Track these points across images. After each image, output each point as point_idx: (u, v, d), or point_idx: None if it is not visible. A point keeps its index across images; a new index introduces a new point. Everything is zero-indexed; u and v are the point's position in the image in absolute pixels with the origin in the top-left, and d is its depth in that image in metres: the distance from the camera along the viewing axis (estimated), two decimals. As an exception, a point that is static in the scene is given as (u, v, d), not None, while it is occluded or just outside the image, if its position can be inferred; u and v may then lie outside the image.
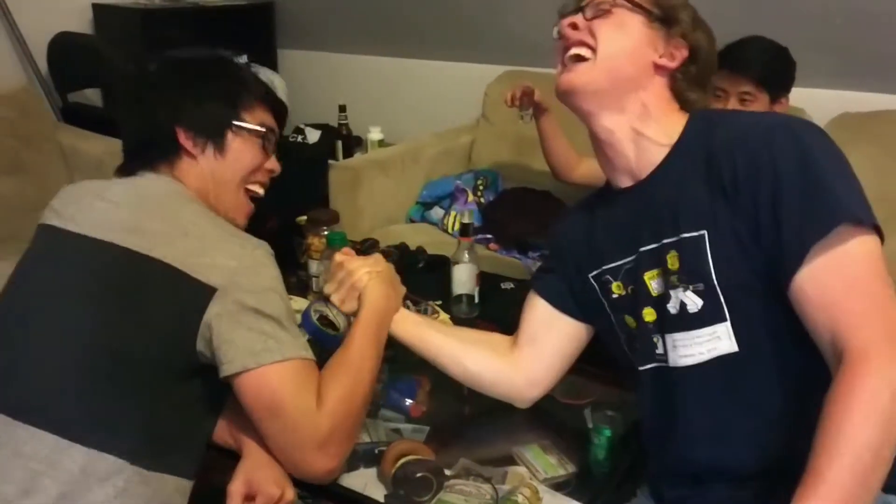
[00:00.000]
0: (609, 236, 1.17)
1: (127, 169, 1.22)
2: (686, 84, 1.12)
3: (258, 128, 1.23)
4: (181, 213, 1.10)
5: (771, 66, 2.01)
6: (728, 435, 1.05)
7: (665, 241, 1.07)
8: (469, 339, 1.32)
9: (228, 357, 1.03)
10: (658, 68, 1.10)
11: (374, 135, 3.06)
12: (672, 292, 1.06)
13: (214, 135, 1.20)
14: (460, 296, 1.69)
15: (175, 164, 1.19)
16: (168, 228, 1.07)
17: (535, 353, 1.26)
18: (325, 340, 1.48)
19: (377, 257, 1.30)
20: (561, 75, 1.13)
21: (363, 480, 1.23)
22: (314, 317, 1.51)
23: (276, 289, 1.07)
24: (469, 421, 1.43)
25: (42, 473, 0.99)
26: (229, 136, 1.21)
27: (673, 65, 1.10)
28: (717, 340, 1.02)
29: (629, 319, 1.14)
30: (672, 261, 1.06)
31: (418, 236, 2.27)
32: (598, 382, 1.40)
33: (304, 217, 1.85)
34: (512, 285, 1.81)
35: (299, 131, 3.20)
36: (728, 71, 2.02)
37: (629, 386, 1.22)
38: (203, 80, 1.23)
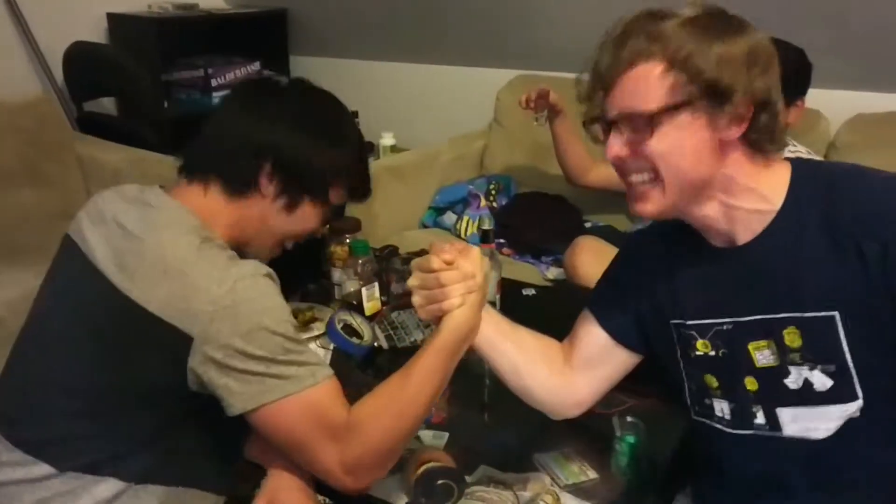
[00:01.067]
0: (696, 291, 1.08)
1: (197, 170, 1.14)
2: (764, 136, 0.98)
3: (332, 206, 1.19)
4: (171, 248, 1.02)
5: (786, 70, 1.99)
6: (832, 484, 1.04)
7: (780, 315, 1.00)
8: (530, 349, 1.22)
9: (228, 401, 1.00)
10: (727, 143, 0.97)
11: (387, 140, 3.06)
12: (793, 369, 1.01)
13: (295, 193, 1.13)
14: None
15: (244, 194, 1.11)
16: (152, 267, 1.01)
17: (588, 378, 1.21)
18: (350, 349, 1.49)
19: (476, 270, 1.09)
20: (634, 203, 1.03)
21: (385, 489, 1.23)
22: (339, 326, 1.52)
23: (261, 324, 0.98)
24: (489, 427, 1.44)
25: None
26: (306, 199, 1.15)
27: (741, 129, 0.96)
28: (845, 412, 0.99)
29: (710, 379, 1.10)
30: (791, 337, 1.00)
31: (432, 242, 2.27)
32: (625, 392, 1.38)
33: (326, 225, 1.86)
34: (533, 291, 1.82)
35: (313, 138, 3.21)
36: None
37: (657, 397, 1.22)
38: (322, 126, 1.15)
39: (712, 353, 1.08)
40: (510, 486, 1.22)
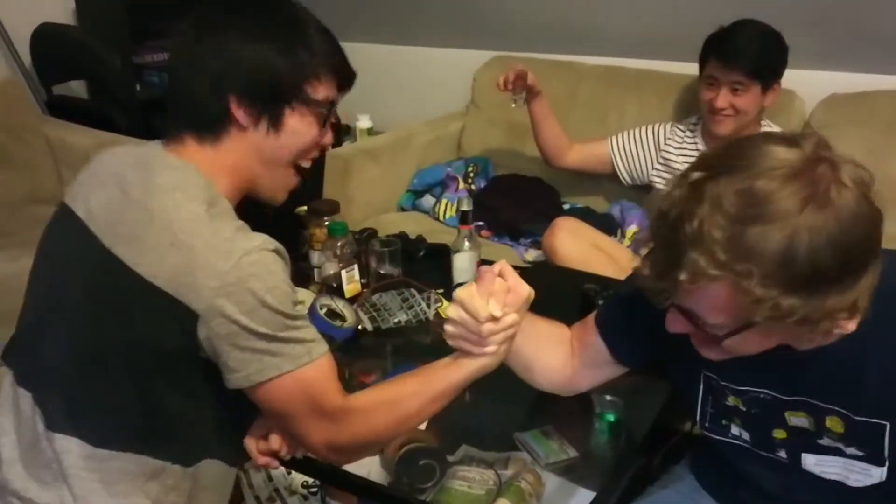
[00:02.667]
0: (736, 363, 0.97)
1: (172, 131, 1.08)
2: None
3: (321, 103, 1.09)
4: (176, 217, 0.99)
5: (763, 56, 2.01)
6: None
7: (828, 406, 0.98)
8: (541, 341, 1.19)
9: (226, 376, 1.00)
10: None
11: (363, 123, 3.04)
12: (827, 438, 0.99)
13: (270, 108, 1.05)
14: (461, 284, 1.69)
15: (220, 136, 1.05)
16: (158, 239, 0.98)
17: (591, 376, 1.20)
18: (333, 332, 1.50)
19: (520, 319, 1.03)
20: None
21: (367, 468, 1.23)
22: (321, 311, 1.52)
23: (265, 302, 0.96)
24: (471, 407, 1.44)
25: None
26: (287, 111, 1.06)
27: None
28: (868, 477, 0.99)
29: (736, 420, 1.08)
30: (834, 425, 0.98)
31: (410, 225, 2.27)
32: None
33: (304, 207, 1.85)
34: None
35: (288, 120, 3.18)
36: (720, 60, 2.02)
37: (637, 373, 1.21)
38: (260, 35, 1.05)
39: (743, 408, 1.06)
40: (491, 465, 1.23)
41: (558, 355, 1.20)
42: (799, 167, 0.81)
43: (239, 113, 1.04)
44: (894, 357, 0.92)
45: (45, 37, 2.92)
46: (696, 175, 0.84)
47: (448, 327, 1.02)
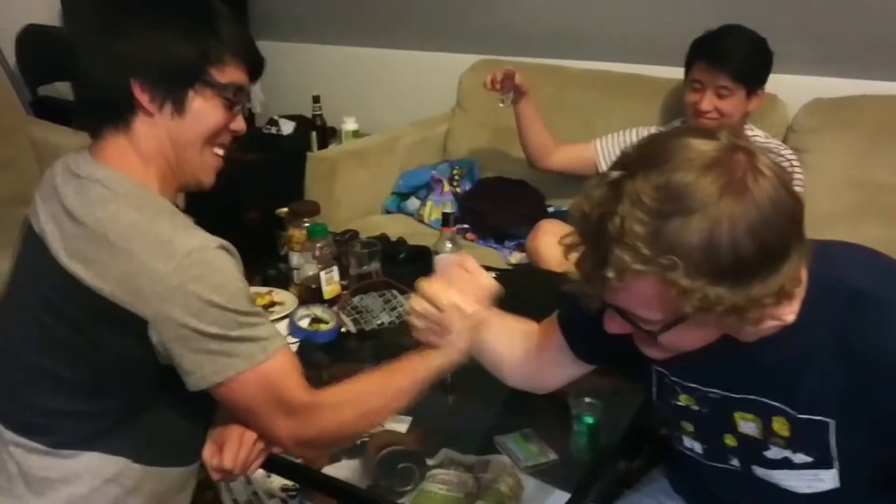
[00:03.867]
0: (683, 359, 0.97)
1: (91, 128, 1.08)
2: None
3: (226, 87, 1.06)
4: (112, 227, 0.98)
5: (749, 61, 2.02)
6: None
7: (773, 403, 0.97)
8: (509, 338, 1.19)
9: (183, 378, 1.00)
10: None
11: (349, 125, 3.03)
12: (774, 447, 0.99)
13: (173, 91, 1.04)
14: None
15: (130, 125, 1.04)
16: (99, 251, 0.98)
17: (558, 374, 1.19)
18: (314, 338, 1.51)
19: (482, 308, 1.05)
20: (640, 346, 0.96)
21: (346, 471, 1.23)
22: (304, 324, 1.54)
23: (213, 301, 0.96)
24: (451, 411, 1.44)
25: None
26: (190, 94, 1.04)
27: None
28: (820, 482, 0.99)
29: (685, 424, 1.08)
30: (780, 427, 0.98)
31: (395, 227, 2.27)
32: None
33: (285, 209, 1.85)
34: (494, 275, 1.81)
35: (273, 123, 3.17)
36: (705, 63, 2.03)
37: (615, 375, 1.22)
38: (164, 19, 1.04)
39: (695, 407, 1.05)
40: (471, 468, 1.23)
41: (525, 350, 1.20)
42: (715, 156, 0.81)
43: (144, 98, 1.03)
44: (831, 348, 0.91)
45: (30, 38, 2.91)
46: (614, 174, 0.85)
47: (412, 319, 1.04)
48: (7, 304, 1.11)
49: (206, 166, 1.11)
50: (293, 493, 1.53)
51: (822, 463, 0.97)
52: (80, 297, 0.97)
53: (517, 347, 1.19)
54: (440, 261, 1.04)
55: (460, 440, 1.30)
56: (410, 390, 1.08)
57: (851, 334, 0.90)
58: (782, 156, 2.08)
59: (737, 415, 1.01)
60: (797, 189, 1.94)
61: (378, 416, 1.11)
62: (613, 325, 0.92)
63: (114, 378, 1.01)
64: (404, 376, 1.08)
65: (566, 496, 1.17)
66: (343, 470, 1.24)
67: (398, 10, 2.97)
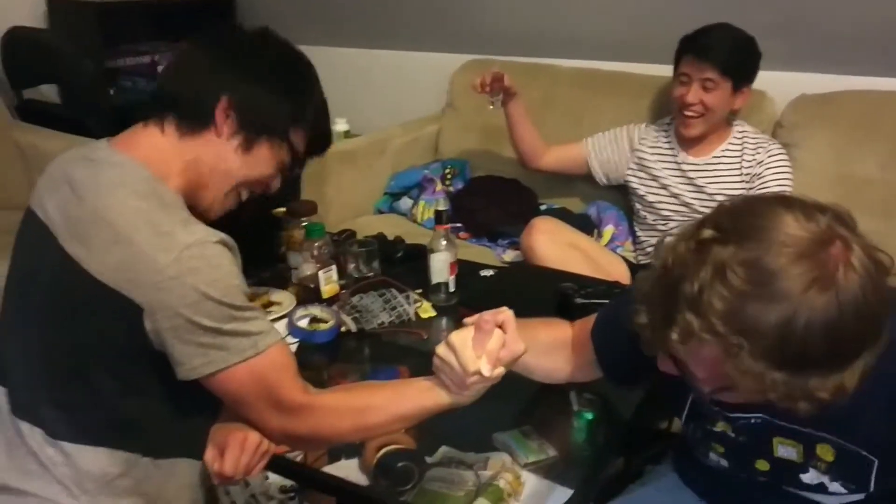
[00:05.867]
0: None
1: (146, 113, 1.10)
2: None
3: (294, 150, 1.13)
4: (119, 214, 0.99)
5: (735, 55, 2.04)
6: None
7: (819, 434, 0.97)
8: (539, 351, 1.16)
9: (175, 368, 1.01)
10: None
11: (340, 126, 3.02)
12: (814, 471, 0.98)
13: (252, 131, 1.09)
14: (438, 284, 1.69)
15: (196, 132, 1.07)
16: (103, 235, 0.99)
17: (591, 372, 1.20)
18: (313, 339, 1.50)
19: (503, 371, 1.04)
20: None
21: (345, 471, 1.23)
22: (303, 323, 1.53)
23: (208, 294, 0.97)
24: (449, 408, 1.44)
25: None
26: (263, 141, 1.10)
27: None
28: (849, 499, 0.99)
29: (716, 446, 1.08)
30: (824, 453, 0.97)
31: (388, 227, 2.26)
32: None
33: (282, 209, 1.85)
34: (491, 272, 1.82)
35: (264, 124, 3.17)
36: (692, 56, 2.05)
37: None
38: (282, 72, 1.11)
39: (731, 434, 1.04)
40: (471, 466, 1.23)
41: (558, 361, 1.20)
42: (810, 248, 0.78)
43: (221, 117, 1.06)
44: (885, 394, 0.90)
45: (15, 41, 2.89)
46: (706, 234, 0.82)
47: (435, 360, 1.03)
48: (9, 296, 1.12)
49: (223, 204, 1.14)
50: (292, 495, 1.53)
51: (856, 491, 0.98)
52: (78, 282, 0.98)
53: (548, 359, 1.19)
54: (482, 317, 1.02)
55: (459, 438, 1.30)
56: (412, 418, 1.09)
57: None
58: (772, 152, 2.11)
59: (776, 440, 1.00)
60: (787, 186, 1.94)
61: (374, 432, 1.13)
62: (666, 366, 0.91)
63: (112, 366, 1.02)
64: (411, 403, 1.07)
65: (566, 492, 1.17)
66: (342, 469, 1.24)
67: (388, 11, 2.97)
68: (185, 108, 1.07)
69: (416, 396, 1.07)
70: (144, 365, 1.02)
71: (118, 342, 1.00)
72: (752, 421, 1.01)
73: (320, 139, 1.18)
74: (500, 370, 1.00)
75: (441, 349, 1.01)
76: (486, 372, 0.98)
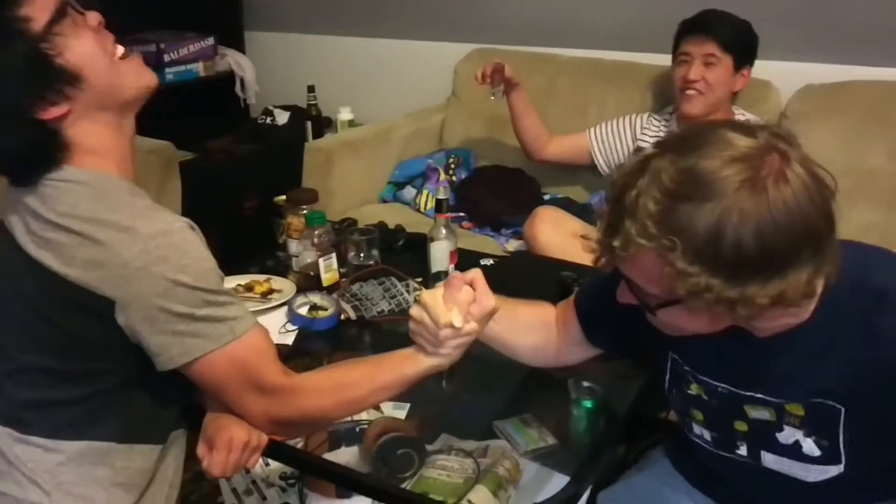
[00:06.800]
0: (702, 346, 0.99)
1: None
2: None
3: (49, 19, 0.97)
4: (74, 217, 0.98)
5: (735, 32, 2.06)
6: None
7: (781, 400, 0.98)
8: (522, 329, 1.22)
9: (153, 360, 1.01)
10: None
11: (344, 115, 3.03)
12: (788, 428, 0.99)
13: (52, 83, 0.98)
14: (438, 273, 1.70)
15: (73, 140, 1.00)
16: (66, 240, 0.98)
17: (576, 353, 1.23)
18: (312, 326, 1.51)
19: (480, 327, 1.05)
20: None
21: (346, 458, 1.24)
22: (303, 311, 1.54)
23: (179, 281, 0.96)
24: (449, 396, 1.44)
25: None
26: (60, 65, 0.98)
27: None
28: (825, 474, 1.00)
29: (695, 413, 1.09)
30: (794, 409, 0.98)
31: (391, 216, 2.26)
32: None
33: (283, 197, 1.85)
34: (492, 261, 1.83)
35: (268, 113, 3.16)
36: (693, 35, 2.06)
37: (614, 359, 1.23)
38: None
39: (705, 397, 1.06)
40: (470, 453, 1.24)
41: (540, 338, 1.22)
42: (746, 152, 0.81)
43: (54, 114, 0.99)
44: (853, 339, 0.91)
45: None
46: (649, 150, 0.87)
47: (410, 324, 1.05)
48: None
49: (125, 77, 1.05)
50: (292, 482, 1.54)
51: (830, 458, 0.98)
52: (49, 285, 0.98)
53: (531, 337, 1.21)
54: (452, 276, 1.04)
55: (459, 426, 1.31)
56: (394, 387, 1.08)
57: (878, 326, 0.89)
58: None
59: (746, 406, 1.02)
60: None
61: (358, 406, 1.12)
62: (623, 295, 0.95)
63: (91, 363, 1.02)
64: (391, 373, 1.08)
65: (565, 480, 1.18)
66: (342, 456, 1.24)
67: (392, 0, 2.97)
68: (44, 157, 1.01)
69: (394, 365, 1.08)
70: (121, 359, 1.02)
71: (93, 340, 1.00)
72: (720, 389, 1.03)
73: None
74: (473, 325, 1.02)
75: (414, 309, 1.04)
76: (457, 323, 1.00)
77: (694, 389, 1.07)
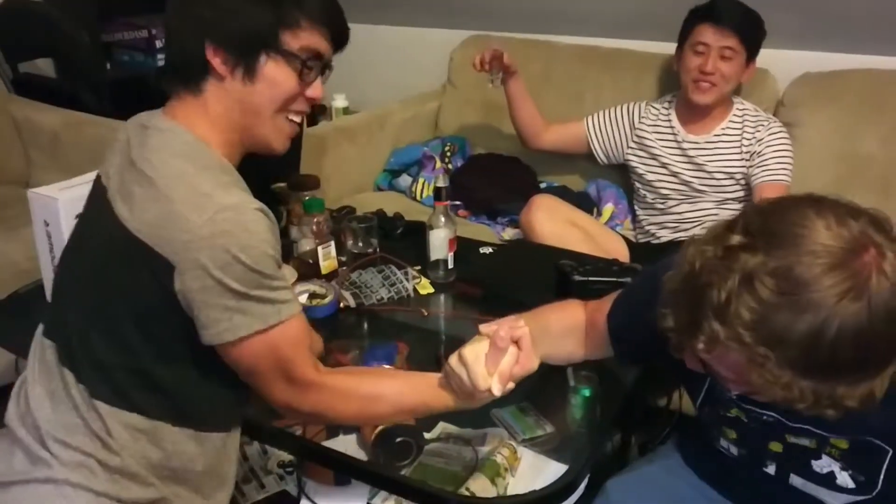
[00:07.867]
0: None
1: (168, 87, 1.08)
2: None
3: (297, 54, 1.05)
4: (161, 174, 1.00)
5: (751, 27, 2.05)
6: None
7: (829, 434, 0.96)
8: (553, 341, 1.19)
9: (200, 332, 1.01)
10: None
11: (339, 102, 3.01)
12: (827, 458, 0.98)
13: (245, 56, 1.03)
14: (437, 261, 1.69)
15: (202, 87, 1.05)
16: (144, 194, 1.00)
17: (601, 354, 1.21)
18: (313, 313, 1.51)
19: (518, 377, 1.06)
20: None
21: (344, 445, 1.23)
22: (302, 299, 1.53)
23: (238, 258, 0.96)
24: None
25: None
26: (262, 59, 1.03)
27: None
28: (851, 499, 0.98)
29: (728, 431, 1.08)
30: (838, 442, 0.96)
31: (387, 204, 2.25)
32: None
33: (282, 184, 1.84)
34: (490, 249, 1.82)
35: (262, 100, 3.15)
36: (711, 25, 2.04)
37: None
38: None
39: (745, 420, 1.04)
40: (469, 441, 1.23)
41: (572, 344, 1.21)
42: (843, 257, 0.76)
43: (215, 61, 1.03)
44: None
45: (10, 13, 2.85)
46: (734, 239, 0.80)
47: (446, 367, 1.04)
48: (68, 252, 1.15)
49: (278, 132, 1.10)
50: (290, 470, 1.54)
51: (862, 490, 0.97)
52: (119, 239, 1.00)
53: (563, 347, 1.21)
54: (498, 333, 1.02)
55: (457, 414, 1.29)
56: (415, 413, 1.12)
57: None
58: (772, 130, 2.10)
59: (788, 434, 1.00)
60: (787, 164, 1.93)
61: (376, 421, 1.16)
62: (694, 365, 0.89)
63: (144, 326, 1.03)
64: (419, 399, 1.11)
65: (563, 468, 1.18)
66: (340, 444, 1.24)
67: (388, -15, 2.95)
68: (187, 74, 1.06)
69: (423, 393, 1.11)
70: (174, 328, 1.02)
71: (149, 301, 1.01)
72: (765, 417, 1.01)
73: (328, 27, 1.08)
74: (511, 386, 1.02)
75: (453, 361, 1.02)
76: (496, 392, 1.00)
77: (734, 413, 1.05)
